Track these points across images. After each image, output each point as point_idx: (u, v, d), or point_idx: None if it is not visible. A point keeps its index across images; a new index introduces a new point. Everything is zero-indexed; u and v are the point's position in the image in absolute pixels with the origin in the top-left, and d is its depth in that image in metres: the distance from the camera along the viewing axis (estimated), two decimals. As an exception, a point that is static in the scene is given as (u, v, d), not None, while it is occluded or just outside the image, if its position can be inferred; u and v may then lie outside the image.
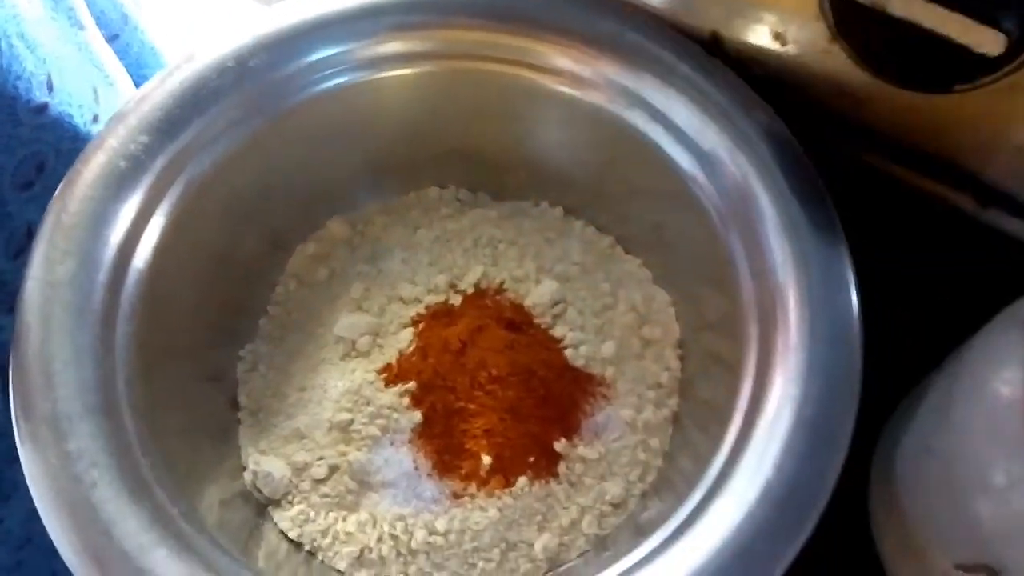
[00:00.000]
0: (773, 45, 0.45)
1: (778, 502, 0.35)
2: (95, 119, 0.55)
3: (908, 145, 0.45)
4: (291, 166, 0.49)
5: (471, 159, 0.52)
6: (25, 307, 0.39)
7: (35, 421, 0.37)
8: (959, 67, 0.39)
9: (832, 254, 0.40)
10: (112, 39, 0.65)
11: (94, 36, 0.58)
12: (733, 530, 0.35)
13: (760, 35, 0.45)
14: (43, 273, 0.40)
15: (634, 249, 0.51)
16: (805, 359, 0.38)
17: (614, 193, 0.50)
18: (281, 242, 0.51)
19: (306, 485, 0.44)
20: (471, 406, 0.44)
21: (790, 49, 0.45)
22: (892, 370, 0.42)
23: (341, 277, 0.50)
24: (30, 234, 0.51)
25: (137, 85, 0.64)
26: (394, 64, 0.47)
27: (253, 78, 0.45)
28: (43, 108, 0.50)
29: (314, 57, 0.46)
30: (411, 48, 0.47)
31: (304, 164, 0.49)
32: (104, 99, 0.56)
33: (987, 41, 0.36)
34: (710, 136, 0.44)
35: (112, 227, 0.41)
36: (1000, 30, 0.36)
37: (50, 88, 0.51)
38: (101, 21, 0.62)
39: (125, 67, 0.63)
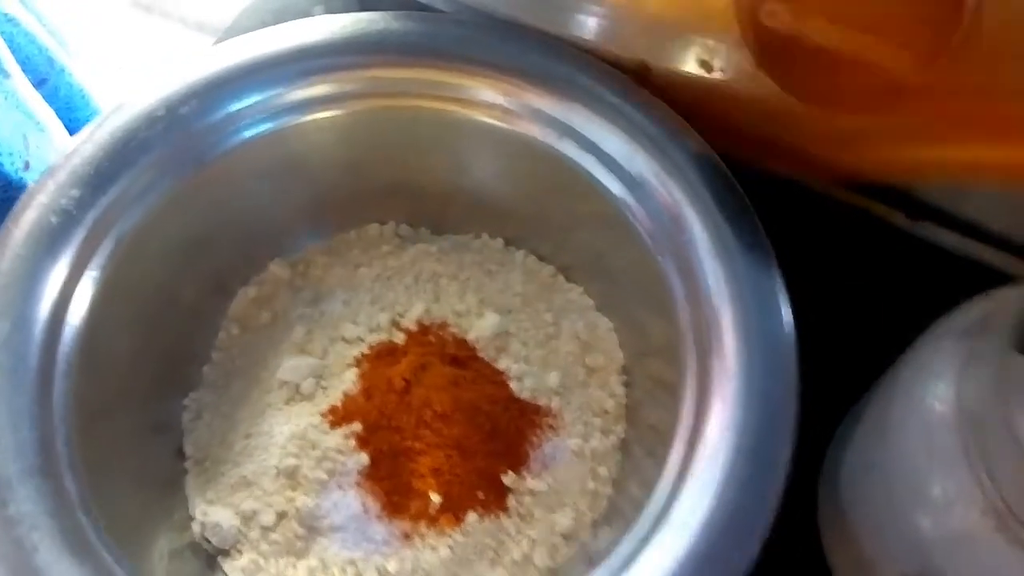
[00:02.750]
0: (701, 72, 0.46)
1: (721, 530, 0.35)
2: (26, 166, 0.54)
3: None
4: (228, 211, 0.49)
5: (410, 194, 0.52)
6: (-41, 371, 0.39)
7: (-28, 486, 0.36)
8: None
9: (764, 276, 0.41)
10: (40, 84, 0.64)
11: (21, 82, 0.57)
12: (679, 560, 0.35)
13: (687, 63, 0.46)
14: (-24, 335, 0.39)
15: (576, 277, 0.51)
16: (743, 384, 0.38)
17: (553, 223, 0.50)
18: (222, 287, 0.51)
19: (255, 533, 0.44)
20: (417, 445, 0.44)
21: (717, 76, 0.45)
22: (832, 387, 0.43)
23: (283, 320, 0.50)
24: None
25: (68, 129, 0.63)
26: (325, 105, 0.47)
27: (184, 126, 0.45)
28: None
29: (245, 102, 0.46)
30: (341, 89, 0.47)
31: (241, 209, 0.49)
32: (35, 145, 0.56)
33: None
34: (640, 163, 0.44)
35: (45, 284, 0.41)
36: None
37: None
38: (27, 66, 0.61)
39: (55, 111, 0.62)
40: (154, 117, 0.45)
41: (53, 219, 0.42)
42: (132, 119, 0.45)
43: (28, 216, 0.42)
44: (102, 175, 0.43)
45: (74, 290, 0.42)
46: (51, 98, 0.66)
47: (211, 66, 0.46)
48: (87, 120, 0.70)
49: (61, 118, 0.64)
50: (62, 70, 0.69)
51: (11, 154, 0.53)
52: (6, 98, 0.55)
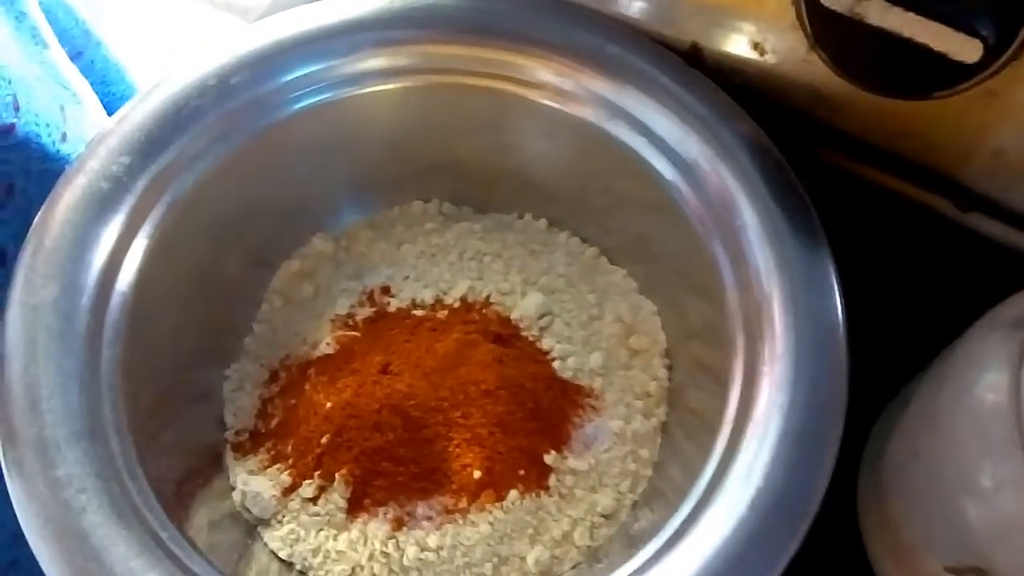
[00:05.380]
0: (752, 55, 0.46)
1: (769, 510, 0.35)
2: (63, 137, 0.54)
3: (888, 151, 0.46)
4: (274, 183, 0.49)
5: (455, 173, 0.52)
6: (8, 332, 0.39)
7: (21, 447, 0.37)
8: (937, 74, 0.39)
9: (815, 261, 0.41)
10: (76, 56, 0.65)
11: (58, 54, 0.57)
12: (725, 539, 0.35)
13: (739, 45, 0.46)
14: (26, 297, 0.39)
15: (619, 260, 0.51)
16: (791, 367, 0.38)
17: (598, 204, 0.50)
18: (265, 259, 0.51)
19: (295, 504, 0.44)
20: (461, 420, 0.44)
21: (769, 59, 0.45)
22: (877, 375, 0.42)
23: (326, 294, 0.50)
24: (3, 258, 0.50)
25: (102, 102, 0.63)
26: (376, 80, 0.47)
27: (235, 96, 0.45)
28: (10, 129, 0.50)
29: (296, 74, 0.46)
30: (393, 64, 0.47)
31: (287, 181, 0.49)
32: (71, 117, 0.56)
33: (964, 49, 0.37)
34: (692, 146, 0.44)
35: (94, 250, 0.41)
36: (977, 37, 0.36)
37: (16, 108, 0.50)
38: (64, 39, 0.62)
39: (90, 84, 0.62)
40: (205, 86, 0.45)
41: (104, 185, 0.42)
42: (184, 87, 0.45)
43: (79, 181, 0.42)
44: (153, 142, 0.44)
45: (123, 257, 0.42)
46: (87, 71, 0.66)
47: (263, 38, 0.46)
48: (122, 94, 0.71)
49: (96, 91, 0.64)
50: (99, 43, 0.69)
51: (48, 125, 0.53)
52: (44, 69, 0.55)
